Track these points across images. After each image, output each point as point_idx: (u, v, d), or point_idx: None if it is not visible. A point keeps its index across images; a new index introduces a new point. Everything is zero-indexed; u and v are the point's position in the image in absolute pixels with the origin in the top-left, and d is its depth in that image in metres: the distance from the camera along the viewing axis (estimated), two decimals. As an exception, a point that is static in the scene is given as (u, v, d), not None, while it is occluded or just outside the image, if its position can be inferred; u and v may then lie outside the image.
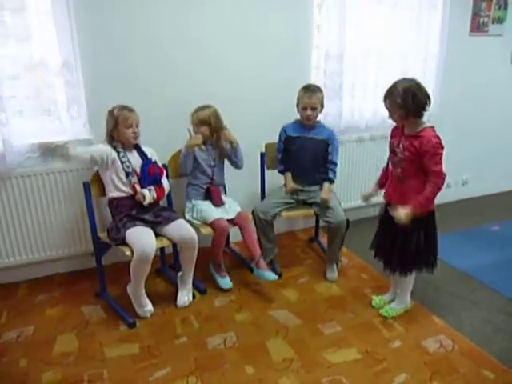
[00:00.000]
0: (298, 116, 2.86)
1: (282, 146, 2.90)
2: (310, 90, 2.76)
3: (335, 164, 2.89)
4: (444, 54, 3.59)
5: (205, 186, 2.78)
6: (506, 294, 2.69)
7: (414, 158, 2.16)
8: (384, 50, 3.37)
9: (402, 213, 2.15)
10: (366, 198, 2.51)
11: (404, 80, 2.15)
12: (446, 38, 3.56)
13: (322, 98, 2.80)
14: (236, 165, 2.85)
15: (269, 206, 2.81)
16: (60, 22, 2.48)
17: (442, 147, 2.13)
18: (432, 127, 2.17)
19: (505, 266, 3.02)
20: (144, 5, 2.68)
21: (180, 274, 2.64)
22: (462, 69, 3.82)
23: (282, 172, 2.94)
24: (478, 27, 3.78)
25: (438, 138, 2.14)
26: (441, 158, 2.13)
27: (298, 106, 2.81)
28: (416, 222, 2.23)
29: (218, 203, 2.76)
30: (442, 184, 2.16)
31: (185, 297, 2.59)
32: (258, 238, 2.80)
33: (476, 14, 3.73)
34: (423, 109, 2.13)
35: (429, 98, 2.14)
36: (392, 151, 2.31)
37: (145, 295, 2.47)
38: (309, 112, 2.76)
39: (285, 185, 2.90)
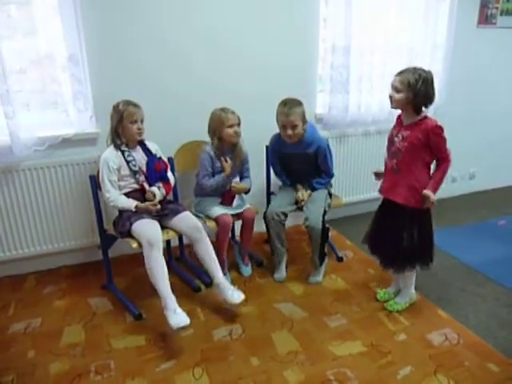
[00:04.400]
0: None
1: (276, 160, 2.88)
2: (288, 105, 2.59)
3: (329, 175, 2.83)
4: (451, 46, 3.56)
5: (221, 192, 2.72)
6: (512, 287, 2.69)
7: (415, 148, 2.16)
8: (391, 42, 3.34)
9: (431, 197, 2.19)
10: (377, 175, 2.45)
11: (422, 69, 2.14)
12: (453, 31, 3.53)
13: (303, 113, 2.64)
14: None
15: (281, 205, 2.74)
16: (66, 15, 2.49)
17: (443, 129, 2.15)
18: (428, 116, 2.18)
19: (511, 260, 3.01)
20: (150, -2, 2.69)
21: (208, 273, 2.51)
22: (469, 61, 3.79)
23: (284, 183, 2.93)
24: (486, 19, 3.74)
25: (437, 123, 2.15)
26: (446, 142, 2.16)
27: (277, 122, 2.68)
28: (410, 218, 2.25)
29: (227, 204, 2.74)
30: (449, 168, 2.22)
31: (229, 291, 2.39)
32: (272, 242, 2.78)
33: (484, 5, 3.70)
34: (426, 102, 2.13)
35: (433, 97, 2.15)
36: (391, 141, 2.31)
37: (172, 295, 2.24)
38: (289, 132, 2.62)
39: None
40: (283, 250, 2.81)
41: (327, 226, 2.71)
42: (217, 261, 2.48)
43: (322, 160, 2.78)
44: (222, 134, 2.63)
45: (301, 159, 2.77)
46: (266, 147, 3.00)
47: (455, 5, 3.48)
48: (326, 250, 2.78)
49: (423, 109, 2.15)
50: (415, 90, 2.08)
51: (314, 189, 2.81)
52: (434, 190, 2.20)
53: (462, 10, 3.52)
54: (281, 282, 2.78)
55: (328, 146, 2.79)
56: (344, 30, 3.13)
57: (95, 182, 2.49)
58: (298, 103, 2.65)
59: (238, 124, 2.64)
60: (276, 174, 2.96)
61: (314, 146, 2.73)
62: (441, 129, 2.13)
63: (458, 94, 3.76)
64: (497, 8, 3.74)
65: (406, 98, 2.12)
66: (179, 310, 2.21)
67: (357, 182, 3.63)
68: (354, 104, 3.37)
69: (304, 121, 2.67)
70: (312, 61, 3.24)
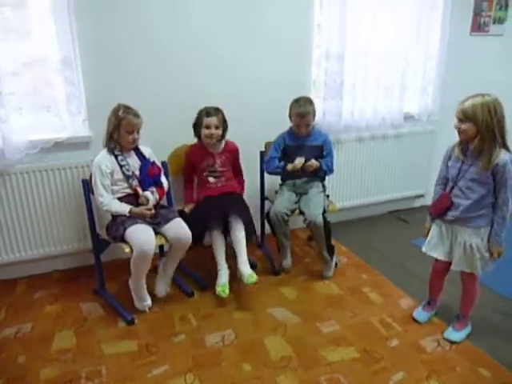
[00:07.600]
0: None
1: (279, 152, 2.87)
2: (301, 109, 2.73)
3: (330, 170, 2.90)
4: (444, 53, 3.58)
5: None
6: (504, 293, 2.70)
7: None
8: (385, 49, 3.36)
9: None
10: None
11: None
12: (446, 38, 3.55)
13: (314, 110, 2.81)
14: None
15: (284, 205, 2.77)
16: (60, 18, 2.48)
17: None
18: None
19: (503, 267, 3.00)
20: (145, 2, 2.68)
21: (163, 261, 2.61)
22: (462, 69, 3.80)
23: (277, 169, 2.85)
24: (478, 27, 3.77)
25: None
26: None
27: (290, 118, 2.83)
28: None
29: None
30: None
31: (162, 286, 2.57)
32: (278, 240, 2.87)
33: (477, 13, 3.73)
34: None
35: None
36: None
37: (145, 289, 2.48)
38: (303, 130, 2.80)
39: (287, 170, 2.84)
40: (288, 243, 2.90)
41: (328, 220, 2.74)
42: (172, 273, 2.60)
43: (328, 151, 2.89)
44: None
45: (308, 151, 2.83)
46: (260, 153, 3.01)
47: (448, 13, 3.50)
48: (333, 243, 2.85)
49: None
50: None
51: (321, 167, 2.83)
52: None
53: (454, 17, 3.54)
54: (288, 268, 2.90)
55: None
56: (338, 36, 3.14)
57: (88, 186, 2.47)
58: (310, 102, 2.80)
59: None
60: (270, 158, 2.87)
61: (322, 138, 2.90)
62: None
63: (450, 102, 3.74)
64: (489, 16, 3.77)
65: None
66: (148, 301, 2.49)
67: (351, 187, 3.63)
68: (347, 110, 3.38)
69: (315, 116, 2.83)
70: (306, 66, 3.25)
